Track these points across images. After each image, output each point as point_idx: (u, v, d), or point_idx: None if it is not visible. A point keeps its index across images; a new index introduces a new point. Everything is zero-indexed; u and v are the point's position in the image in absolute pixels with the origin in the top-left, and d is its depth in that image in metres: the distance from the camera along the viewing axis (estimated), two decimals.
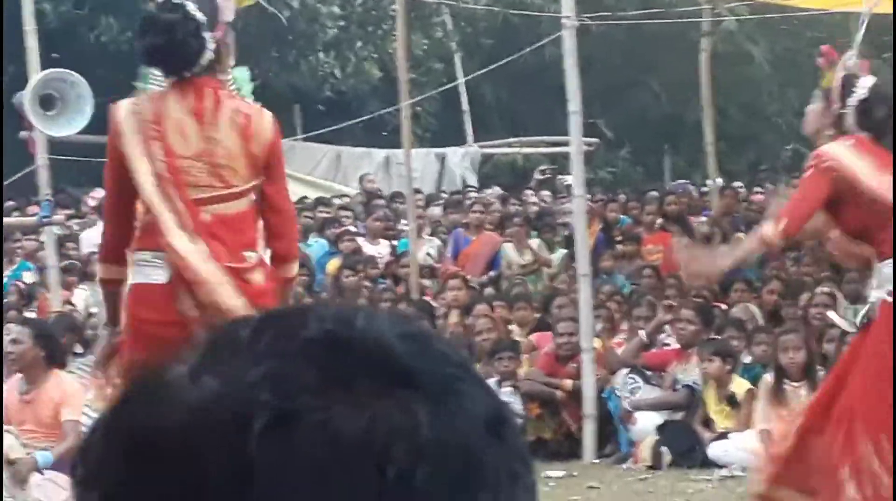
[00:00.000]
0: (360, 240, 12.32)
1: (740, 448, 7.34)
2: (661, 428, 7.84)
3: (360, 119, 16.63)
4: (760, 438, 7.30)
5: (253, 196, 4.42)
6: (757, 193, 14.97)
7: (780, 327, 8.26)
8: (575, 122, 7.25)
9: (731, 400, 7.71)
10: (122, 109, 4.41)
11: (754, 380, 7.69)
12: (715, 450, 7.58)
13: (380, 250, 12.29)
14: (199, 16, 4.30)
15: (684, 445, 7.71)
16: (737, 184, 15.09)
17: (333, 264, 11.33)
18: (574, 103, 7.16)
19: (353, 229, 12.70)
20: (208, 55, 4.33)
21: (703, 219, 12.23)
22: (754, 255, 5.65)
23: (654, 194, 13.33)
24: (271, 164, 4.42)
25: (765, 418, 7.34)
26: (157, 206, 4.29)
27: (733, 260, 5.45)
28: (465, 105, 19.33)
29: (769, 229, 5.13)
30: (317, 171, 17.18)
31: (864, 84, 5.26)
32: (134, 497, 0.70)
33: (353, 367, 0.70)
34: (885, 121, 5.23)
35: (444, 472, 0.69)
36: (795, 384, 7.37)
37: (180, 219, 4.29)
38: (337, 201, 14.27)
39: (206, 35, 4.31)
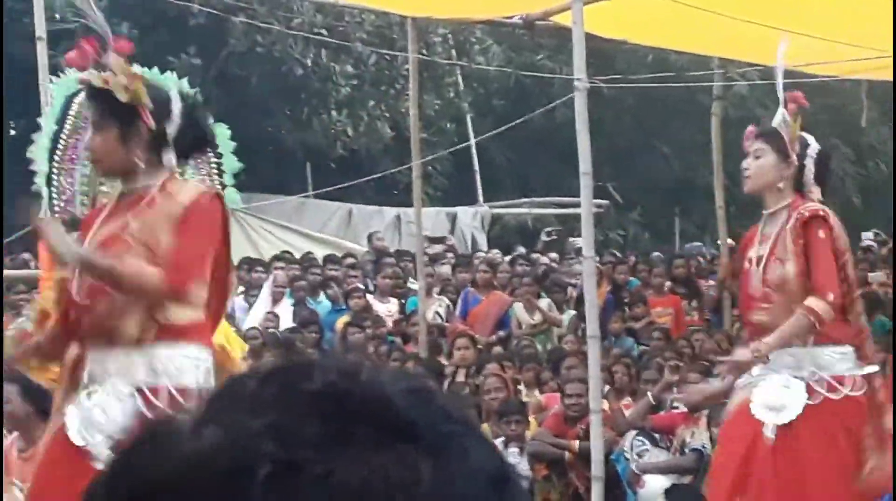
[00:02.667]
0: (370, 297, 12.33)
1: None
2: (668, 492, 7.78)
3: (371, 177, 16.71)
4: None
5: None
6: None
7: None
8: (585, 183, 7.24)
9: None
10: None
11: None
12: None
13: (389, 307, 12.29)
14: None
15: None
16: None
17: (342, 322, 11.34)
18: (585, 165, 7.15)
19: (361, 286, 12.71)
20: None
21: (712, 282, 12.23)
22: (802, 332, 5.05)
23: (663, 256, 13.33)
24: None
25: None
26: None
27: (777, 343, 4.95)
28: (476, 165, 19.40)
29: (818, 304, 4.89)
30: (327, 228, 17.24)
31: (811, 139, 5.31)
32: None
33: (355, 420, 0.70)
34: (830, 177, 5.40)
35: None
36: None
37: None
38: (348, 260, 14.28)
39: None
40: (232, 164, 5.55)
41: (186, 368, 4.17)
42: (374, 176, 16.35)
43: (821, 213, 5.06)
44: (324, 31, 17.51)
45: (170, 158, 4.22)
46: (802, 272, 5.01)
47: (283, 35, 17.54)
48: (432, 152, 16.37)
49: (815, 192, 5.21)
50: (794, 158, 5.16)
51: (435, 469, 0.69)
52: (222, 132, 5.51)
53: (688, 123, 18.40)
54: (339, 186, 15.93)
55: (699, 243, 18.32)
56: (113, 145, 4.18)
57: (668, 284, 11.92)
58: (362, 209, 17.98)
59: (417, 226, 10.95)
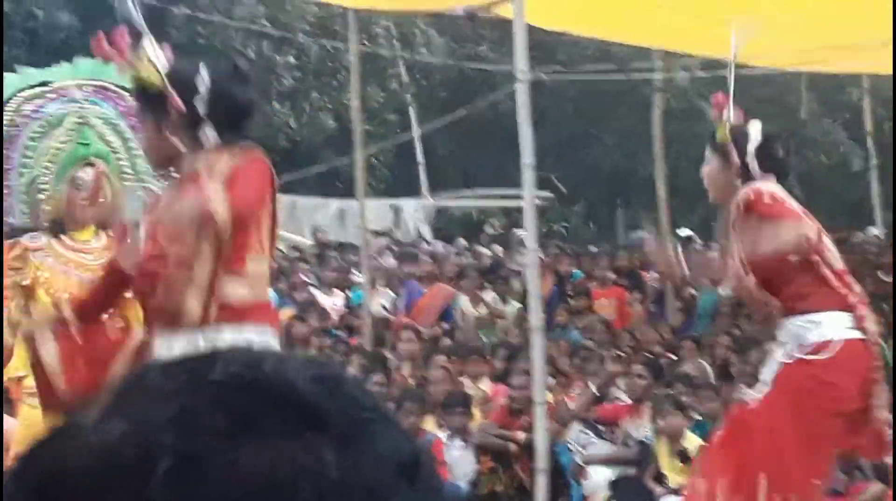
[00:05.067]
0: (315, 291, 12.28)
1: None
2: (613, 484, 7.81)
3: (314, 169, 16.62)
4: None
5: None
6: (709, 249, 15.06)
7: (729, 383, 8.26)
8: (528, 175, 7.24)
9: (684, 456, 7.69)
10: None
11: (703, 436, 7.67)
12: None
13: (335, 300, 12.25)
14: None
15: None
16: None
17: (286, 315, 11.28)
18: (527, 156, 7.15)
19: (306, 279, 12.67)
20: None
21: (655, 274, 12.28)
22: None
23: (607, 248, 13.37)
24: None
25: None
26: None
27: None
28: (419, 157, 19.38)
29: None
30: None
31: (755, 129, 5.31)
32: None
33: (260, 409, 0.70)
34: (785, 160, 5.32)
35: None
36: None
37: None
38: (293, 254, 14.22)
39: None
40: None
41: None
42: (317, 168, 16.28)
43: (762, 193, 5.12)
44: (265, 23, 17.42)
45: (207, 135, 4.08)
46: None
47: (225, 26, 17.43)
48: (376, 144, 16.33)
49: (769, 179, 5.23)
50: (735, 157, 5.20)
51: (342, 455, 0.69)
52: None
53: (630, 115, 18.47)
54: (282, 178, 15.84)
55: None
56: (153, 137, 4.13)
57: (611, 276, 11.96)
58: (305, 202, 17.91)
59: (361, 218, 10.91)
